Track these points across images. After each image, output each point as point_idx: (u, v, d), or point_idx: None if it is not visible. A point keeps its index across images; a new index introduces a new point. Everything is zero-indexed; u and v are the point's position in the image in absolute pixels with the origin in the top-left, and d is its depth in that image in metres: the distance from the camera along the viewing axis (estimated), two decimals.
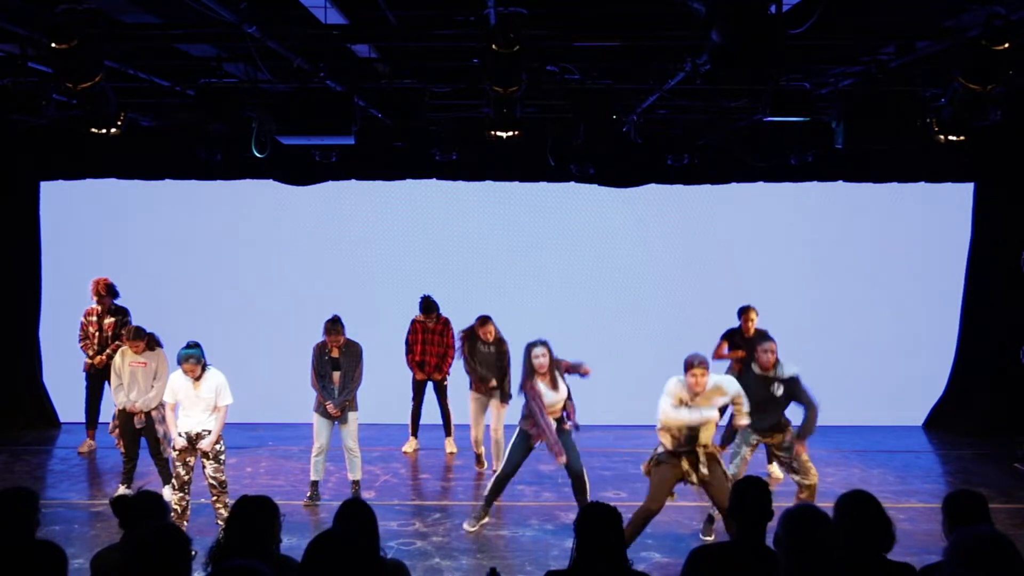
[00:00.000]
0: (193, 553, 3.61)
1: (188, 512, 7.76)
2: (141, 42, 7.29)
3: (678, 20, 6.37)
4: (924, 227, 12.25)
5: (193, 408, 7.75)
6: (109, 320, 10.29)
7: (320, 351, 8.82)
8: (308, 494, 8.88)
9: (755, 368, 7.68)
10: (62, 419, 12.03)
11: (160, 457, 8.84)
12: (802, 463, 7.59)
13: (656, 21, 6.66)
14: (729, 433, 9.14)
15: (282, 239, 12.42)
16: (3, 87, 7.26)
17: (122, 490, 8.69)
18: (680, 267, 12.34)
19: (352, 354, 8.79)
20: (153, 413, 8.72)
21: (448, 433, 10.87)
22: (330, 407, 8.70)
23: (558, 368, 7.96)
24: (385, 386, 10.20)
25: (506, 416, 9.52)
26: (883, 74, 7.51)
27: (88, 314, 10.33)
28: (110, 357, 9.78)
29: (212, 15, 5.80)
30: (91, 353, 10.35)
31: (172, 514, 6.80)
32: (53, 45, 5.70)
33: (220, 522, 7.54)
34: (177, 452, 7.77)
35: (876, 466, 10.32)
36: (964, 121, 7.13)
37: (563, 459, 7.79)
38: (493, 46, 6.05)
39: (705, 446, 7.09)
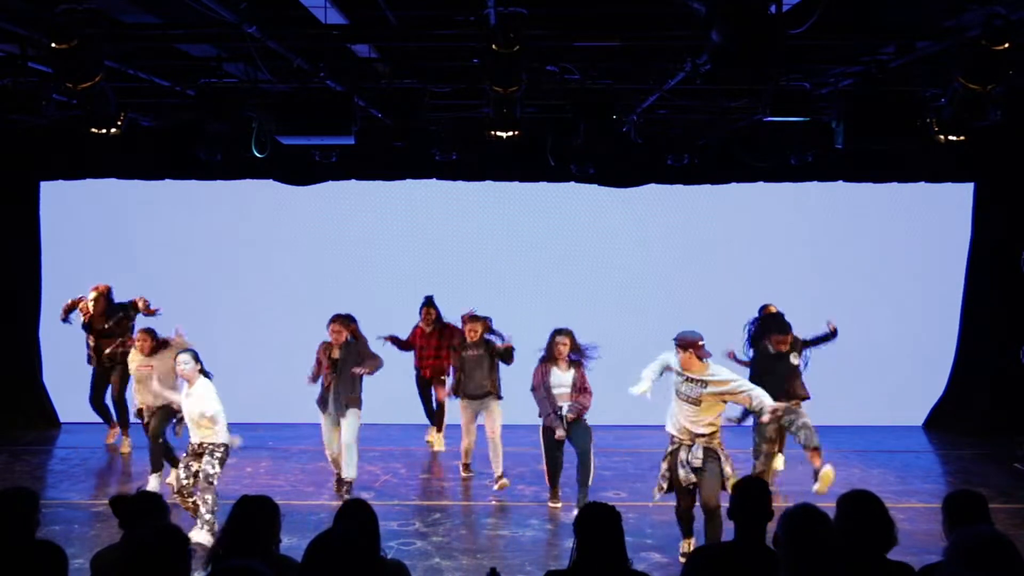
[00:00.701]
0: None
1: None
2: (141, 42, 7.29)
3: (678, 20, 6.37)
4: (924, 227, 12.25)
5: (190, 423, 7.60)
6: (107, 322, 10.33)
7: (326, 351, 8.88)
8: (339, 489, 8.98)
9: (769, 348, 7.85)
10: (62, 419, 12.04)
11: (156, 441, 8.75)
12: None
13: (656, 21, 6.66)
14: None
15: (282, 239, 12.42)
16: (3, 87, 7.26)
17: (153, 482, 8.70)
18: (680, 267, 12.34)
19: (352, 352, 8.81)
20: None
21: (439, 428, 10.80)
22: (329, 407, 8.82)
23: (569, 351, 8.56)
24: (385, 386, 10.18)
25: (503, 416, 9.42)
26: (883, 74, 7.51)
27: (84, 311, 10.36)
28: (120, 352, 9.86)
29: (212, 15, 5.81)
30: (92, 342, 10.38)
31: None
32: (53, 45, 5.70)
33: (193, 516, 7.40)
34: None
35: (876, 466, 10.32)
36: (964, 121, 7.13)
37: (561, 433, 8.41)
38: (493, 46, 6.06)
39: (705, 437, 7.10)
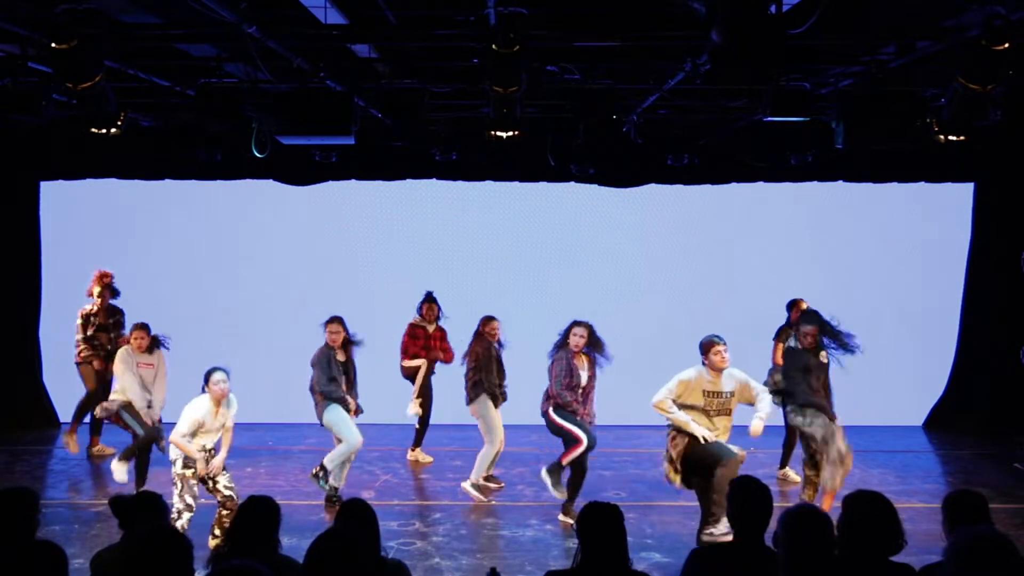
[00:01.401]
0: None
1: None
2: (141, 42, 7.28)
3: (678, 20, 6.37)
4: (924, 227, 12.24)
5: (208, 433, 7.32)
6: (108, 321, 10.29)
7: (328, 354, 8.80)
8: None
9: (797, 345, 7.88)
10: (62, 419, 12.01)
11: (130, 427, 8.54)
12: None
13: (656, 21, 6.66)
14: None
15: (282, 239, 12.42)
16: (3, 87, 7.26)
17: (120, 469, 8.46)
18: (680, 267, 12.34)
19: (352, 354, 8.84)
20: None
21: (418, 443, 10.54)
22: (352, 404, 8.74)
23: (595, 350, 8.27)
24: (384, 386, 10.19)
25: (502, 417, 9.37)
26: (883, 74, 7.51)
27: (86, 315, 10.26)
28: (108, 356, 9.75)
29: (212, 15, 5.81)
30: (98, 364, 10.10)
31: (174, 514, 6.78)
32: (53, 45, 5.71)
33: (218, 531, 7.08)
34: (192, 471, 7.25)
35: (876, 466, 10.31)
36: (964, 121, 7.13)
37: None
38: (493, 46, 6.07)
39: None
